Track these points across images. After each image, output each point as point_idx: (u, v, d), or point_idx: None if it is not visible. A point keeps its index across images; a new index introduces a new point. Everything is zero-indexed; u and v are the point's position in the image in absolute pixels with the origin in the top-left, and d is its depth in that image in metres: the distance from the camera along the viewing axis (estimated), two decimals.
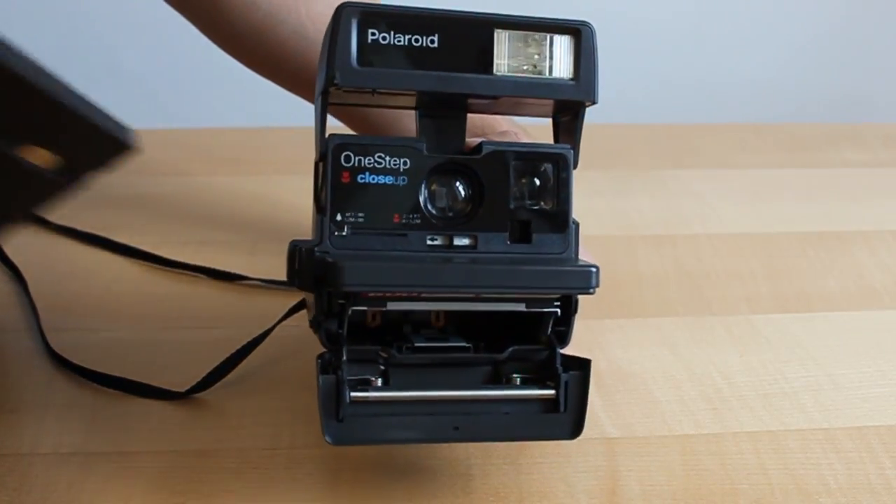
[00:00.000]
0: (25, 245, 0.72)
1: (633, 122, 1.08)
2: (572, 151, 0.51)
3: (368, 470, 0.53)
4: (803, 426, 0.58)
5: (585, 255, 0.53)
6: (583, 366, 0.49)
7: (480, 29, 0.49)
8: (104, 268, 0.71)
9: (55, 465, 0.52)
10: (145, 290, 0.69)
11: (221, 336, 0.60)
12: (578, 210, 0.81)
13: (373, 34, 0.48)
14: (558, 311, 0.51)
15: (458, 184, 0.50)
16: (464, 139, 0.51)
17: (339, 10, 0.48)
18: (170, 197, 0.82)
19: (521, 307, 0.49)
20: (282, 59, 0.67)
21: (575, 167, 0.51)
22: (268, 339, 0.58)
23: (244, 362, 0.58)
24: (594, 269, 0.48)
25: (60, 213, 0.75)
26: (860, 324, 0.68)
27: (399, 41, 0.48)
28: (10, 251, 0.70)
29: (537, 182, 0.51)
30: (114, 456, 0.53)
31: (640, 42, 1.39)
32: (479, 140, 0.51)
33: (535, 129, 0.60)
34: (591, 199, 0.83)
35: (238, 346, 0.58)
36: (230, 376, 0.58)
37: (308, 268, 0.48)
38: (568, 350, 0.64)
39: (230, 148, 0.92)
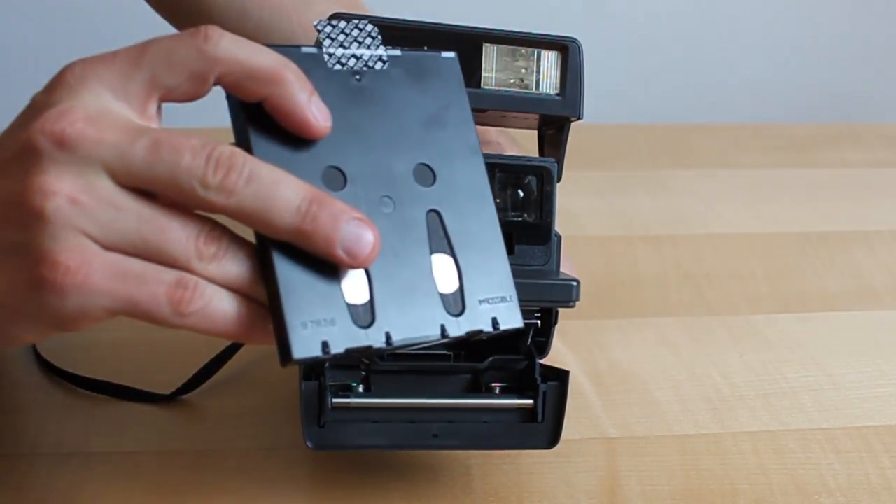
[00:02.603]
0: None
1: (633, 122, 1.08)
2: (556, 165, 0.52)
3: (368, 470, 0.53)
4: (803, 426, 0.58)
5: (566, 267, 0.53)
6: (561, 377, 0.49)
7: (469, 42, 0.50)
8: None
9: (55, 465, 0.53)
10: None
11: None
12: (578, 210, 0.82)
13: None
14: (538, 322, 0.51)
15: None
16: None
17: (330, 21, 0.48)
18: None
19: None
20: None
21: (559, 180, 0.52)
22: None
23: (241, 362, 0.58)
24: (575, 283, 0.49)
25: None
26: (860, 324, 0.68)
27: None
28: None
29: (521, 194, 0.51)
30: (113, 456, 0.53)
31: (640, 42, 1.39)
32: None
33: (524, 137, 0.60)
34: (591, 199, 0.83)
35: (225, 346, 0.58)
36: (228, 376, 0.58)
37: None
38: (568, 350, 0.64)
39: None
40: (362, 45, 0.42)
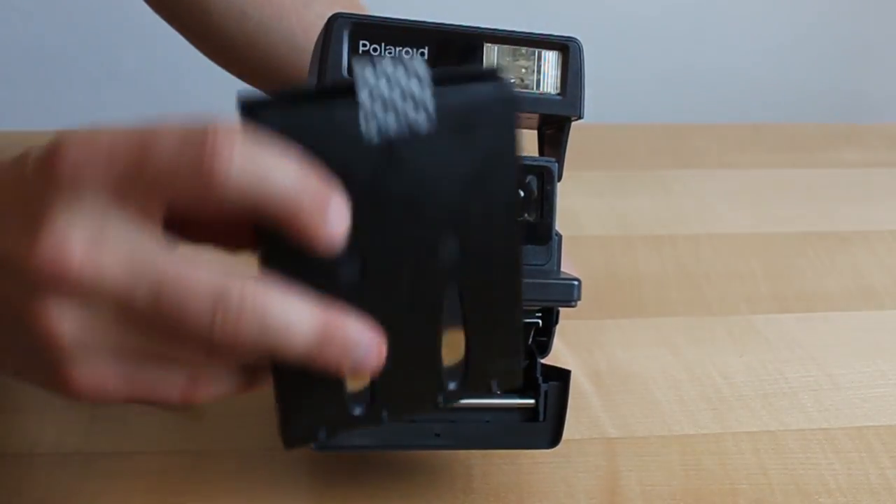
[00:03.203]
0: None
1: (633, 122, 1.08)
2: (557, 164, 0.51)
3: (368, 470, 0.53)
4: (803, 426, 0.58)
5: (566, 266, 0.53)
6: (562, 376, 0.49)
7: (470, 42, 0.50)
8: None
9: (55, 465, 0.53)
10: None
11: None
12: (578, 210, 0.81)
13: (363, 45, 0.48)
14: (539, 321, 0.51)
15: None
16: None
17: (331, 21, 0.48)
18: None
19: None
20: (272, 68, 0.67)
21: (559, 180, 0.52)
22: None
23: None
24: (577, 283, 0.49)
25: None
26: (860, 324, 0.68)
27: (390, 53, 0.49)
28: None
29: (521, 194, 0.51)
30: (113, 456, 0.53)
31: (640, 41, 1.39)
32: None
33: (524, 137, 0.60)
34: (591, 199, 0.83)
35: None
36: None
37: None
38: (568, 350, 0.64)
39: None
40: (406, 97, 0.36)
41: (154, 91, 1.33)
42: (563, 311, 0.53)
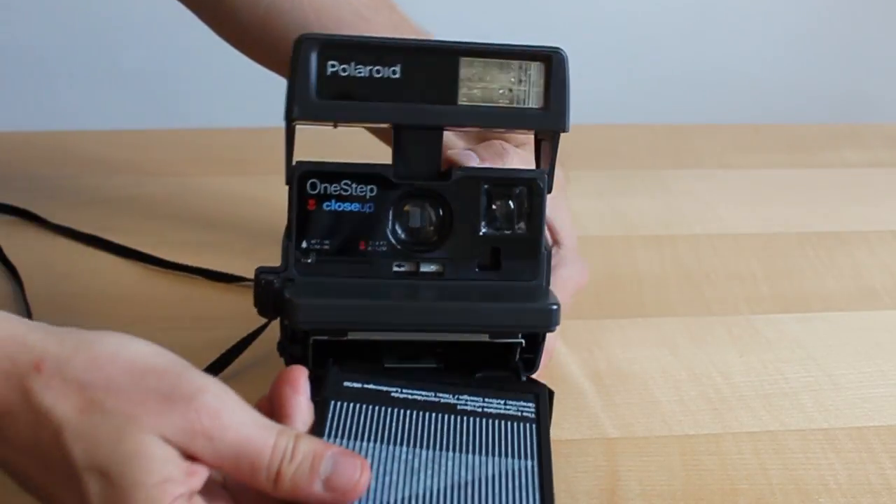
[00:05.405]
0: (23, 244, 0.72)
1: (633, 122, 1.08)
2: (546, 176, 0.50)
3: None
4: (803, 426, 0.58)
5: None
6: (539, 394, 0.49)
7: (445, 58, 0.48)
8: (102, 268, 0.71)
9: None
10: (143, 291, 0.69)
11: (220, 337, 0.60)
12: (578, 210, 0.81)
13: (332, 66, 0.47)
14: (523, 342, 0.50)
15: (426, 210, 0.49)
16: (439, 158, 0.50)
17: (298, 43, 0.47)
18: (168, 197, 0.81)
19: (485, 338, 0.49)
20: (285, 51, 0.67)
21: (549, 191, 0.50)
22: (265, 338, 0.58)
23: (242, 361, 0.58)
24: (555, 307, 0.47)
25: (59, 213, 0.74)
26: (860, 324, 0.68)
27: (360, 72, 0.47)
28: (8, 250, 0.70)
29: (511, 206, 0.50)
30: None
31: (640, 41, 1.39)
32: (459, 151, 0.51)
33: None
34: (591, 199, 0.83)
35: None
36: (229, 378, 0.58)
37: (268, 299, 0.48)
38: (568, 350, 0.64)
39: (229, 148, 0.92)
40: None
41: (154, 91, 1.33)
42: (562, 311, 0.52)
